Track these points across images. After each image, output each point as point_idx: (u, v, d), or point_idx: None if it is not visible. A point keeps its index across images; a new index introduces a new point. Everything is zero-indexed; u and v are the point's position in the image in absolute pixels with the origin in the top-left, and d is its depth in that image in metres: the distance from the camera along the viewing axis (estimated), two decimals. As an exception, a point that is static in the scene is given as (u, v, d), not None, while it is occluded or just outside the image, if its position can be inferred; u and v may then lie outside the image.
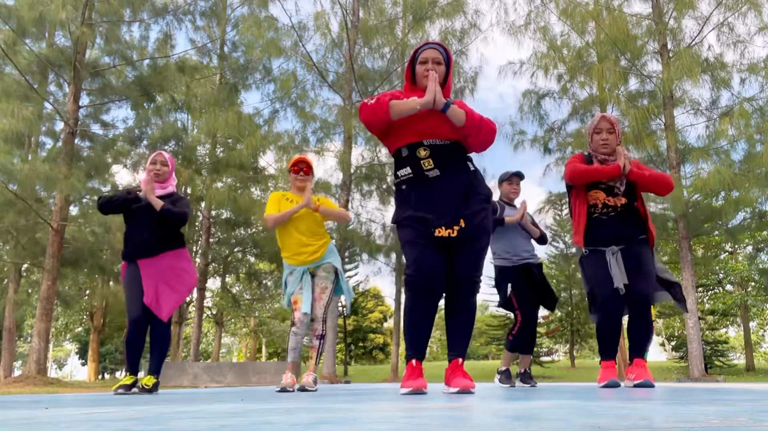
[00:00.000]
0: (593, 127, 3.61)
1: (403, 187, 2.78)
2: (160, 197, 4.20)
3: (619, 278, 3.41)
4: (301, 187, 4.21)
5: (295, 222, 4.16)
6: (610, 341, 3.52)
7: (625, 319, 3.60)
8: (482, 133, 2.72)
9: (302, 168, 4.21)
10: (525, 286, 4.70)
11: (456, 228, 2.66)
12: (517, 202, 5.04)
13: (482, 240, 2.74)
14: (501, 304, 4.82)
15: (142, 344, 4.12)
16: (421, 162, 2.72)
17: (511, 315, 5.13)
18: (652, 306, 3.46)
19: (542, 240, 4.96)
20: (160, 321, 4.07)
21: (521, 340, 4.74)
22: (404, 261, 2.86)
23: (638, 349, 3.47)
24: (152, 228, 4.12)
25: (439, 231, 2.66)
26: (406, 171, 2.76)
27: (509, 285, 4.71)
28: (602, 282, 3.48)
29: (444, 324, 2.86)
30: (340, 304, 24.20)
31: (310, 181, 4.25)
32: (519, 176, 5.01)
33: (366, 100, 2.77)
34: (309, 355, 4.13)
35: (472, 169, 2.81)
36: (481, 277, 2.78)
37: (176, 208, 4.15)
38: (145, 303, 4.03)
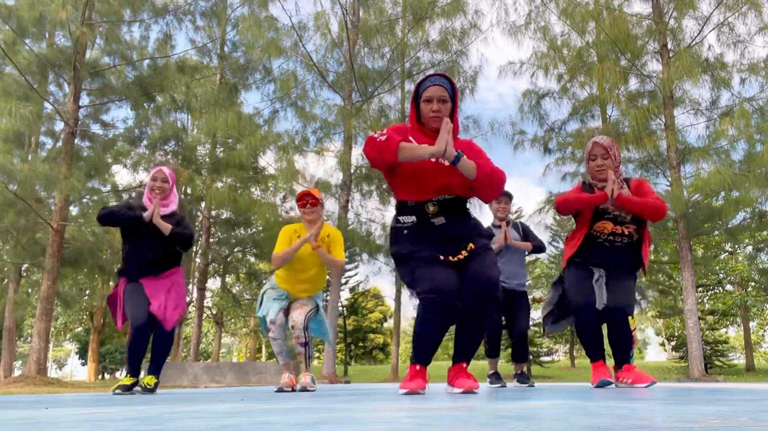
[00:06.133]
0: (588, 154, 3.60)
1: (405, 231, 2.75)
2: (164, 217, 4.15)
3: (601, 296, 3.46)
4: (310, 220, 4.10)
5: (300, 260, 4.07)
6: (593, 345, 3.55)
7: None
8: (492, 185, 2.69)
9: (308, 201, 4.08)
10: None
11: (463, 252, 2.71)
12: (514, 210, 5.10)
13: (492, 257, 2.78)
14: None
15: (146, 349, 4.09)
16: (429, 215, 2.72)
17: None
18: (630, 317, 3.48)
19: (538, 249, 5.03)
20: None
21: (494, 346, 4.92)
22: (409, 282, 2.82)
23: (623, 357, 3.49)
24: (155, 250, 4.10)
25: (444, 257, 2.70)
26: (410, 219, 2.74)
27: None
28: (580, 291, 3.51)
29: None
30: (340, 304, 24.18)
31: (317, 212, 4.10)
32: (508, 196, 5.07)
33: (375, 135, 2.67)
34: (300, 360, 4.11)
35: (473, 220, 2.84)
36: (499, 293, 2.71)
37: (183, 229, 4.15)
38: (152, 311, 3.99)
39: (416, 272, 2.67)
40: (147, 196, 4.19)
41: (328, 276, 16.76)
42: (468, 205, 2.87)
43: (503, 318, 4.99)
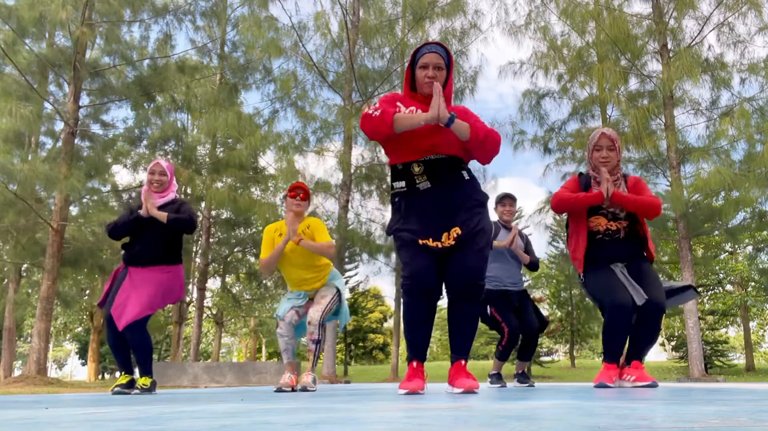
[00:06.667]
0: (593, 144, 3.57)
1: (396, 199, 2.83)
2: (162, 206, 4.17)
3: (638, 291, 3.37)
4: (296, 212, 4.17)
5: (290, 258, 4.13)
6: (615, 347, 3.47)
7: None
8: (486, 147, 2.72)
9: (299, 193, 4.18)
10: (506, 305, 4.82)
11: (447, 236, 2.71)
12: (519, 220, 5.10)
13: (480, 241, 2.73)
14: (485, 323, 4.98)
15: (120, 343, 4.09)
16: (415, 176, 2.75)
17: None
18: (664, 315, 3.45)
19: (533, 266, 5.02)
20: (129, 326, 3.96)
21: (510, 350, 4.88)
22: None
23: (638, 353, 3.46)
24: (150, 242, 4.11)
25: (426, 242, 2.71)
26: (400, 184, 2.80)
27: (488, 306, 4.86)
28: (608, 291, 3.42)
29: (444, 324, 2.88)
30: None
31: (305, 207, 4.20)
32: (511, 198, 5.07)
33: (369, 110, 2.70)
34: (307, 357, 4.13)
35: (467, 178, 2.80)
36: (484, 281, 2.73)
37: (181, 214, 4.14)
38: (111, 311, 4.01)
39: (400, 254, 2.78)
40: (146, 190, 4.22)
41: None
42: (463, 170, 2.80)
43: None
